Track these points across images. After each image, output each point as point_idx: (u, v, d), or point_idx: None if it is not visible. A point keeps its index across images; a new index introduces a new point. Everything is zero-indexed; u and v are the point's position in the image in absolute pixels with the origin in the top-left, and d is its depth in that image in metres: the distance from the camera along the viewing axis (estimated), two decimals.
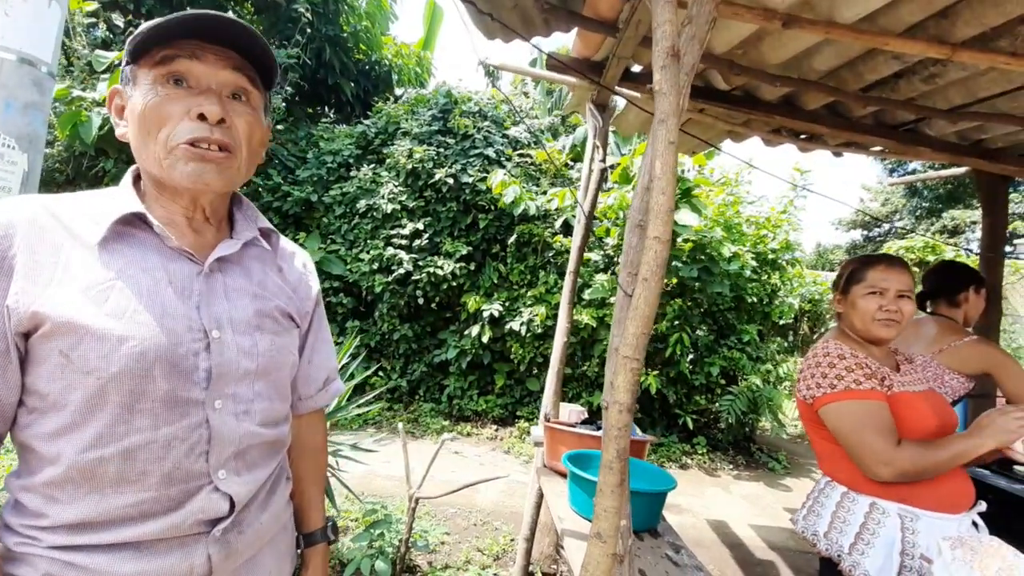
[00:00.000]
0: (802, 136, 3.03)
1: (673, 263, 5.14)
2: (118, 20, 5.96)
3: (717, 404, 5.22)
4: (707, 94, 2.49)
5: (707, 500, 4.12)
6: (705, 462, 4.94)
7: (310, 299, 0.91)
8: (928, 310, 2.27)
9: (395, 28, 8.42)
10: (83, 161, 5.07)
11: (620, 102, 2.91)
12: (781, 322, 7.34)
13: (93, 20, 5.98)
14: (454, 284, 5.48)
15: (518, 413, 5.44)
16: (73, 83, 5.29)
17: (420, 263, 5.43)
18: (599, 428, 1.94)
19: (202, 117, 0.69)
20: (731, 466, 5.01)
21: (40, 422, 0.66)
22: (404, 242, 5.54)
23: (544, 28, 2.18)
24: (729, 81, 2.35)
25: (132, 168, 0.78)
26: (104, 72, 4.69)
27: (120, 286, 0.66)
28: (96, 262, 0.67)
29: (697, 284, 5.13)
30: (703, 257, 5.18)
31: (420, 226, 5.56)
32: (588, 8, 2.00)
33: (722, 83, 2.40)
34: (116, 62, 4.70)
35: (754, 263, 5.45)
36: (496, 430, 5.25)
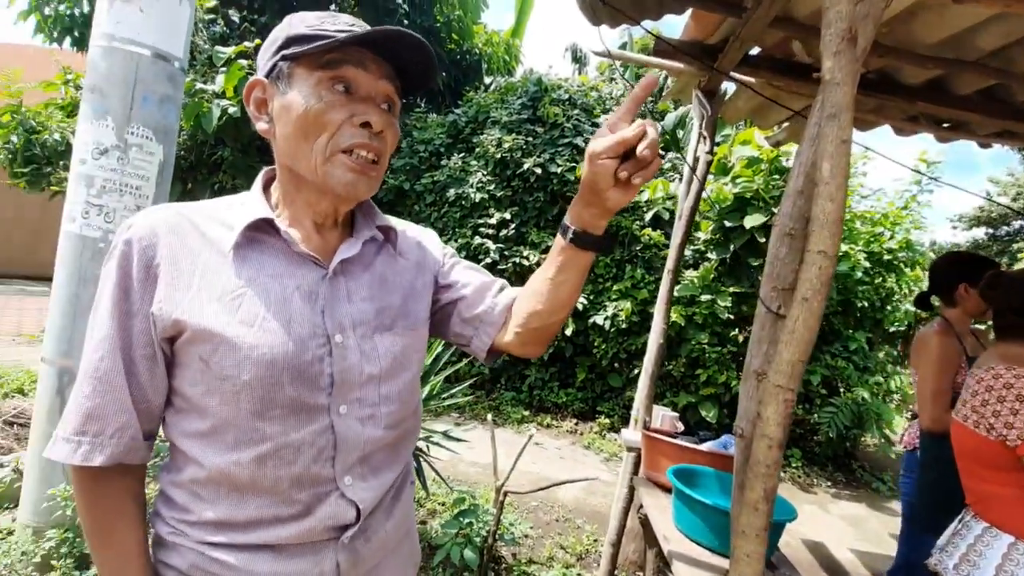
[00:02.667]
0: (945, 124, 2.67)
1: None
2: (234, 16, 6.41)
3: (816, 415, 4.83)
4: None
5: (801, 517, 3.82)
6: (800, 476, 4.60)
7: (436, 261, 0.88)
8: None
9: (483, 16, 8.45)
10: (204, 149, 5.54)
11: (727, 87, 2.71)
12: (892, 329, 6.67)
13: (212, 16, 6.47)
14: None
15: (598, 408, 5.34)
16: (196, 76, 5.77)
17: (506, 253, 5.45)
18: (701, 440, 1.83)
19: (366, 125, 0.69)
20: (829, 483, 4.64)
21: (184, 422, 0.68)
22: (491, 231, 5.57)
23: (656, 10, 2.05)
24: (867, 63, 2.09)
25: (264, 171, 0.79)
26: (223, 66, 5.05)
27: (251, 294, 0.67)
28: (229, 269, 0.67)
29: None
30: None
31: (507, 216, 5.57)
32: None
33: None
34: (233, 56, 5.05)
35: (867, 264, 4.96)
36: (576, 424, 5.20)
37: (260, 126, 0.73)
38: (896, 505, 4.49)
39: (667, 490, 1.68)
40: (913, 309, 6.72)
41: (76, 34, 5.24)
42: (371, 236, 0.79)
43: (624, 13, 2.01)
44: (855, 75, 0.78)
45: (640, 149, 0.63)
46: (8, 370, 4.28)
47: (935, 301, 2.30)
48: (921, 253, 5.99)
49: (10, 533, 2.06)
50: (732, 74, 2.25)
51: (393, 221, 0.85)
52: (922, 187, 5.86)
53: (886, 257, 5.18)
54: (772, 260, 0.90)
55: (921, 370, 2.07)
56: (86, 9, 5.12)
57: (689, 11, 2.06)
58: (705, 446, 1.70)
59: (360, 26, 0.70)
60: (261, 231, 0.70)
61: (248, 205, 0.72)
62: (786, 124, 3.09)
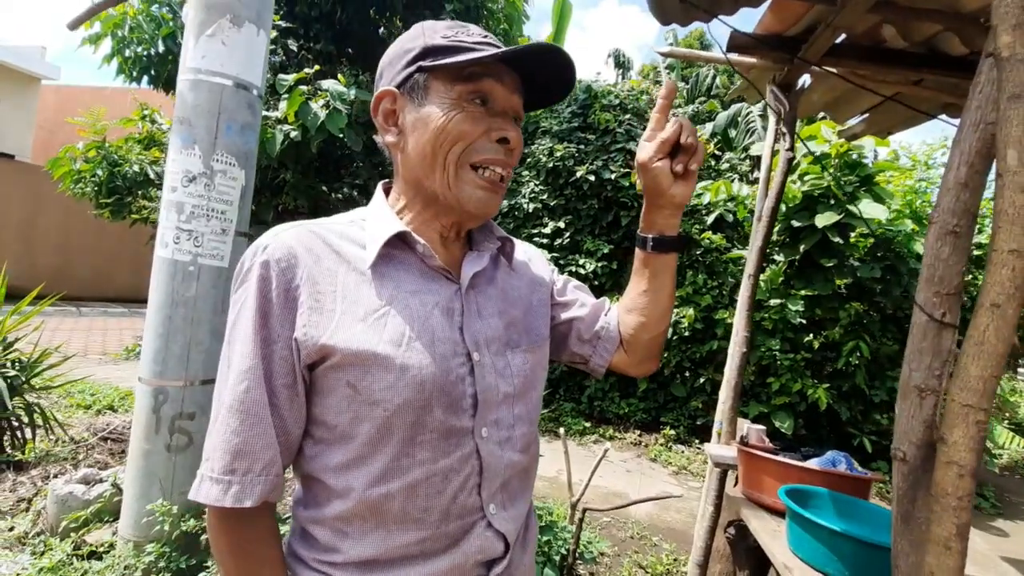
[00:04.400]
0: None
1: (848, 261, 4.51)
2: (292, 45, 6.68)
3: None
4: (932, 62, 2.08)
5: None
6: (889, 491, 4.27)
7: (547, 278, 0.87)
8: None
9: (525, 27, 8.49)
10: (268, 173, 5.77)
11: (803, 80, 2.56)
12: None
13: (272, 47, 6.78)
14: (595, 283, 5.35)
15: (662, 419, 5.17)
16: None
17: (561, 262, 5.39)
18: (805, 457, 1.70)
19: (503, 141, 0.67)
20: None
21: (328, 454, 0.64)
22: (546, 241, 5.53)
23: (731, 5, 1.96)
24: (973, 44, 1.93)
25: (382, 183, 0.77)
26: (285, 93, 5.26)
27: (393, 312, 0.64)
28: (369, 288, 0.64)
29: (879, 286, 4.45)
30: (887, 254, 4.49)
31: (561, 224, 5.52)
32: None
33: (959, 47, 1.98)
34: (293, 83, 5.25)
35: None
36: (639, 435, 5.04)
37: (387, 139, 0.70)
38: (1001, 523, 4.10)
39: (772, 511, 1.57)
40: None
41: (152, 73, 5.61)
42: (494, 250, 0.77)
43: (699, 8, 1.93)
44: None
45: (684, 139, 0.71)
46: (99, 387, 4.56)
47: None
48: None
49: (111, 547, 2.15)
50: (818, 65, 2.13)
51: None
52: None
53: (975, 253, 4.80)
54: (932, 262, 0.81)
55: None
56: (160, 49, 5.47)
57: (767, 3, 1.97)
58: (812, 463, 1.58)
59: (491, 38, 0.68)
60: (393, 246, 0.68)
61: (377, 220, 0.69)
62: (866, 115, 2.91)
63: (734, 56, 2.43)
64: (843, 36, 2.09)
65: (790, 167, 2.38)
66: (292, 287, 0.62)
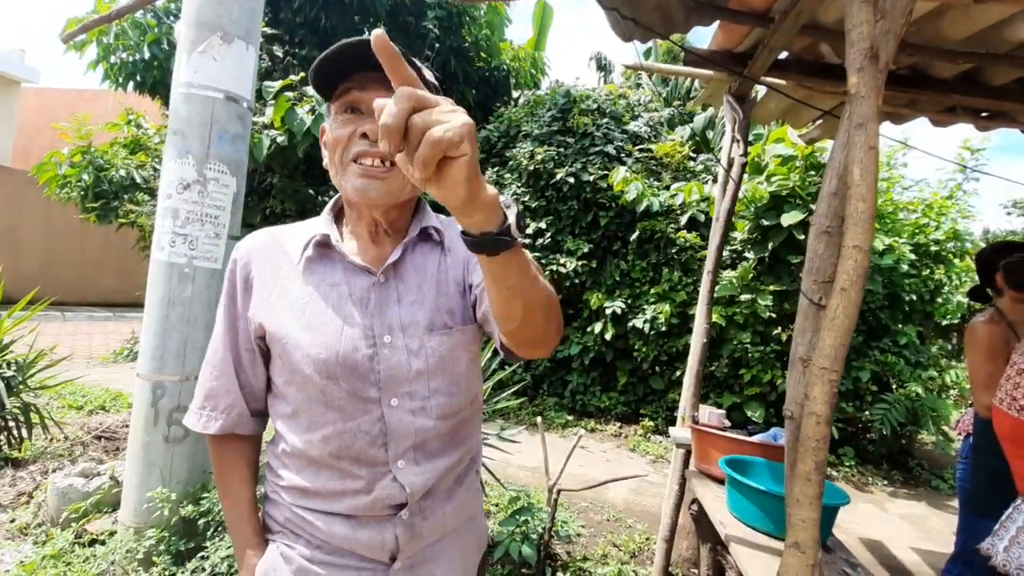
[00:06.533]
0: (983, 114, 2.67)
1: None
2: (278, 51, 6.79)
3: (868, 412, 4.73)
4: None
5: (858, 517, 3.77)
6: (854, 475, 4.52)
7: (469, 256, 0.87)
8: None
9: (507, 31, 8.63)
10: (255, 177, 5.88)
11: (758, 90, 2.76)
12: (945, 323, 6.48)
13: (259, 53, 6.89)
14: (576, 282, 5.54)
15: (642, 411, 5.36)
16: None
17: (543, 261, 5.56)
18: (751, 433, 1.89)
19: (364, 136, 0.75)
20: (885, 482, 4.53)
21: (277, 406, 0.85)
22: (528, 241, 5.70)
23: (684, 25, 2.14)
24: (896, 61, 2.14)
25: (336, 196, 0.89)
26: (272, 99, 5.37)
27: (314, 300, 0.79)
28: (299, 280, 0.81)
29: None
30: None
31: (542, 225, 5.69)
32: (736, 1, 1.93)
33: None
34: (280, 89, 5.36)
35: (912, 256, 4.86)
36: (620, 427, 5.23)
37: (326, 162, 0.81)
38: (958, 503, 4.35)
39: (719, 481, 1.75)
40: (966, 301, 6.50)
41: (138, 78, 5.69)
42: (411, 239, 0.84)
43: (654, 30, 2.11)
44: (878, 88, 0.87)
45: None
46: (89, 389, 4.64)
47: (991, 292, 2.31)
48: (972, 242, 5.80)
49: (112, 534, 2.28)
50: (763, 79, 2.32)
51: (439, 220, 0.90)
52: (967, 175, 5.70)
53: (933, 248, 5.06)
54: (811, 256, 0.99)
55: (970, 359, 2.10)
56: (146, 55, 5.56)
57: (717, 22, 2.15)
58: (755, 438, 1.76)
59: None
60: (327, 246, 0.83)
61: (317, 224, 0.85)
62: (820, 121, 3.12)
63: (695, 69, 2.63)
64: (787, 53, 2.30)
65: (743, 171, 2.57)
66: (249, 279, 0.83)
